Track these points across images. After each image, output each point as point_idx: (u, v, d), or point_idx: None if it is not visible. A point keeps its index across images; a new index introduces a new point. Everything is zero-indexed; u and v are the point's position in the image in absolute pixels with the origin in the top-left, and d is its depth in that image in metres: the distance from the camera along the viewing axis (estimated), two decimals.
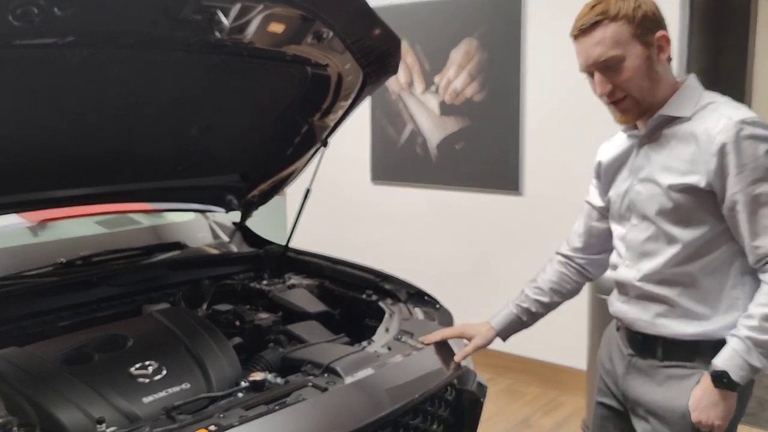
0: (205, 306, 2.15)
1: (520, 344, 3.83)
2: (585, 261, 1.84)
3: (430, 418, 1.69)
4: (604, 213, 1.76)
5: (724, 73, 9.66)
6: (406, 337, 1.85)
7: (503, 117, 3.72)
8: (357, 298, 2.21)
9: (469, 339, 1.85)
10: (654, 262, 1.55)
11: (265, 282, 2.32)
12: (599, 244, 1.80)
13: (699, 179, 1.47)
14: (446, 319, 2.05)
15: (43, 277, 1.97)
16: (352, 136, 4.28)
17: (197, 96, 1.98)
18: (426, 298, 2.20)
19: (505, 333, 1.87)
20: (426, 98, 4.00)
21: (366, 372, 1.61)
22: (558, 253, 1.89)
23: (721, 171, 1.45)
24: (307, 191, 2.36)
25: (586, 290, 3.18)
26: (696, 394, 1.50)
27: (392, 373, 1.65)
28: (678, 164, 1.51)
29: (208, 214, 2.63)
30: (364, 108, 4.22)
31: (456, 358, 1.81)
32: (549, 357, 3.70)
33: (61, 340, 1.72)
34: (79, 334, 1.76)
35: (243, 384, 1.58)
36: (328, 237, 4.39)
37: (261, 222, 2.76)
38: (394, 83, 4.11)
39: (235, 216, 2.62)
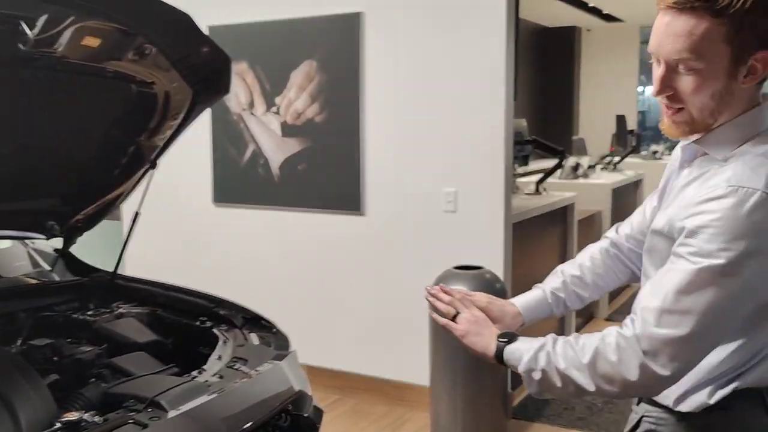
0: (19, 342, 1.97)
1: (364, 364, 3.88)
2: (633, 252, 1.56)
3: None
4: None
5: (551, 101, 10.37)
6: (240, 363, 1.79)
7: (344, 138, 3.75)
8: (190, 325, 2.11)
9: (492, 318, 1.50)
10: None
11: (90, 312, 2.17)
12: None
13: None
14: (283, 343, 2.01)
15: None
16: (193, 157, 4.15)
17: (7, 113, 1.83)
18: (263, 322, 2.15)
19: (531, 322, 1.59)
20: (267, 119, 3.96)
21: (194, 403, 1.54)
22: (606, 237, 1.62)
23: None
24: (136, 214, 2.24)
25: (426, 305, 3.26)
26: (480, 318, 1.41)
27: (222, 403, 1.59)
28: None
29: (27, 240, 2.43)
30: (205, 128, 4.11)
31: None
32: (393, 375, 3.74)
33: None
34: None
35: (55, 427, 1.45)
36: (168, 262, 4.22)
37: (95, 249, 2.59)
38: (235, 104, 4.03)
39: (59, 243, 2.44)
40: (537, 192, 4.53)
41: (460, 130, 3.49)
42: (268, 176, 3.99)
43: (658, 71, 1.23)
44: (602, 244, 1.62)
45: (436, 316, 1.46)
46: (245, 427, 1.55)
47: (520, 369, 1.30)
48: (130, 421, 1.45)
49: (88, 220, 2.35)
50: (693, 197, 1.20)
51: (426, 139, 3.58)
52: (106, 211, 2.34)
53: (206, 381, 1.67)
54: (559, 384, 1.27)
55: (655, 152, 7.87)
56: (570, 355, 1.26)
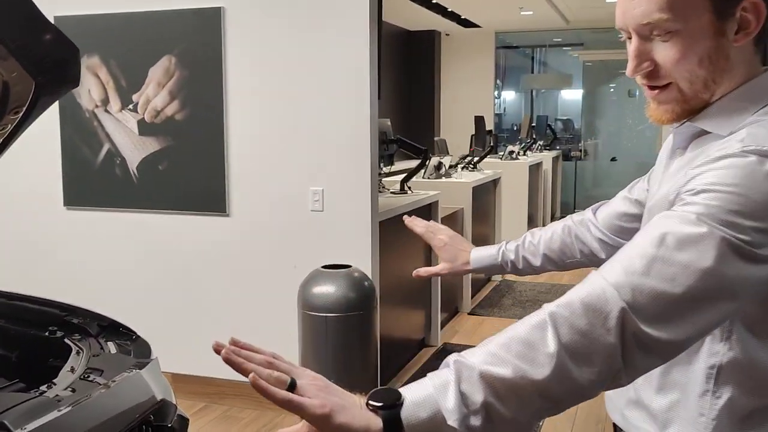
0: None
1: (232, 370, 3.75)
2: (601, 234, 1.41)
3: None
4: (639, 207, 1.32)
5: (414, 102, 10.63)
6: (95, 375, 1.67)
7: (207, 136, 3.63)
8: (38, 336, 1.95)
9: (443, 257, 1.52)
10: None
11: None
12: (620, 230, 1.37)
13: None
14: (144, 351, 1.89)
15: None
16: (40, 156, 3.87)
17: None
18: (121, 330, 2.02)
19: (477, 272, 1.56)
20: (124, 116, 3.75)
21: (42, 420, 1.41)
22: (577, 215, 1.48)
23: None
24: None
25: (295, 306, 3.21)
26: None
27: (76, 418, 1.47)
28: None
29: None
30: (53, 126, 3.84)
31: (421, 273, 1.57)
32: None
33: None
34: None
35: None
36: (14, 271, 3.91)
37: None
38: (87, 100, 3.80)
39: None
40: (402, 191, 4.60)
41: (326, 128, 3.47)
42: (126, 177, 3.78)
43: (630, 47, 1.02)
44: (567, 221, 1.48)
45: (266, 387, 0.81)
46: None
47: (452, 422, 0.81)
48: None
49: None
50: (696, 165, 0.96)
51: (292, 138, 3.53)
52: None
53: (56, 396, 1.54)
54: (513, 410, 0.83)
55: (511, 152, 8.22)
56: (515, 353, 0.84)
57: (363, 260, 3.44)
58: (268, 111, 3.56)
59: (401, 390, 0.84)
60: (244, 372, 0.84)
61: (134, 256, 3.84)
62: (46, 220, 3.95)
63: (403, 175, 4.79)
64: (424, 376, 0.86)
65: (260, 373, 0.84)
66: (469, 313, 5.54)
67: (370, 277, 3.35)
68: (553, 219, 9.56)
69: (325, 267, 3.24)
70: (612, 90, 12.76)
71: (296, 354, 3.28)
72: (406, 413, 0.82)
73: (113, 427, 1.51)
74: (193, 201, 3.70)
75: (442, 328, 4.93)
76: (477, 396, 0.82)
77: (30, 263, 3.98)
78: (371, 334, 3.28)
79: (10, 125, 1.90)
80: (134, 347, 1.92)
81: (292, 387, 0.84)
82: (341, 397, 0.85)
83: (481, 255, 1.52)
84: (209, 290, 3.74)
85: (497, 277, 6.57)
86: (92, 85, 3.77)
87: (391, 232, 3.82)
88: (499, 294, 6.13)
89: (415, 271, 1.60)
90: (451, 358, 0.85)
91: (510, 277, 6.67)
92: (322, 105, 3.46)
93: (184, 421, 1.75)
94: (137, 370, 1.71)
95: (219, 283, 3.72)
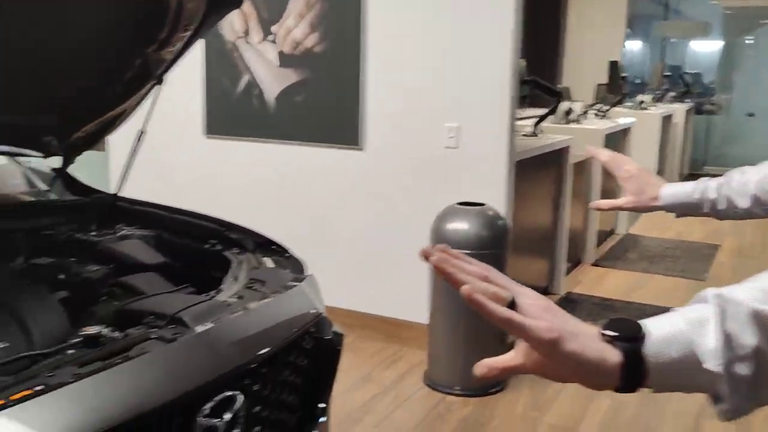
0: (20, 260, 1.88)
1: (361, 301, 3.83)
2: None
3: (288, 367, 1.58)
4: None
5: (539, 45, 10.26)
6: (258, 285, 1.72)
7: (344, 69, 3.63)
8: (200, 248, 2.03)
9: (629, 188, 1.40)
10: None
11: (92, 234, 2.07)
12: None
13: None
14: (297, 268, 1.94)
15: None
16: (184, 86, 4.00)
17: (4, 18, 1.70)
18: (274, 247, 2.07)
19: (669, 210, 1.41)
20: (264, 48, 3.81)
21: (216, 321, 1.47)
22: None
23: None
24: (141, 133, 2.14)
25: (427, 242, 3.21)
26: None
27: (245, 322, 1.52)
28: None
29: (21, 159, 2.31)
30: (197, 57, 3.95)
31: (601, 204, 1.49)
32: (390, 312, 3.71)
33: None
34: None
35: (74, 340, 1.38)
36: (154, 197, 4.10)
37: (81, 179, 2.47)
38: (229, 32, 3.87)
39: (57, 163, 2.32)
40: (533, 134, 4.47)
41: (466, 64, 3.39)
42: (263, 108, 3.86)
43: None
44: None
45: (484, 302, 0.71)
46: (271, 346, 1.49)
47: (714, 365, 0.69)
48: (153, 336, 1.38)
49: (89, 138, 2.23)
50: None
51: (428, 73, 3.48)
52: (108, 128, 2.22)
53: (225, 300, 1.61)
54: None
55: (641, 102, 7.83)
56: None
57: (496, 200, 3.38)
58: (407, 45, 3.51)
59: (641, 322, 0.73)
60: (456, 283, 0.73)
61: (268, 186, 3.94)
62: (188, 149, 4.11)
63: (533, 120, 4.65)
64: None
65: (477, 286, 0.72)
66: (592, 264, 5.39)
67: (503, 216, 3.30)
68: (681, 176, 9.10)
69: (458, 204, 3.22)
70: (752, 41, 11.87)
71: (425, 288, 3.29)
72: (652, 349, 0.70)
73: (280, 333, 1.56)
74: (328, 134, 3.73)
75: (565, 276, 4.82)
76: (748, 338, 0.69)
77: (171, 190, 4.16)
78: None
79: (179, 43, 1.96)
80: (289, 264, 1.97)
81: (511, 306, 0.73)
82: (568, 321, 0.73)
83: (675, 191, 1.38)
84: (340, 222, 3.80)
85: (621, 230, 6.34)
86: (234, 17, 3.83)
87: (522, 174, 3.72)
88: (623, 247, 5.93)
89: (593, 203, 1.51)
90: (709, 292, 0.72)
91: (636, 230, 6.43)
92: (462, 40, 3.37)
93: (339, 336, 1.79)
94: (298, 283, 1.75)
95: (350, 215, 3.76)
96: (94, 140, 2.25)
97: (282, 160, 3.88)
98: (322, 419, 1.68)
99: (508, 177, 3.43)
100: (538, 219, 4.43)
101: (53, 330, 1.46)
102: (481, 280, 0.75)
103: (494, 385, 3.22)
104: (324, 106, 3.71)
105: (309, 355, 1.67)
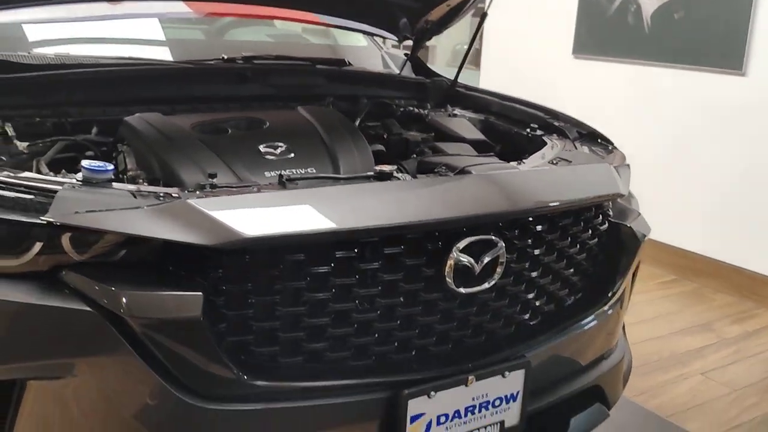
0: (357, 121, 2.05)
1: (713, 245, 3.39)
2: None
3: (572, 238, 1.47)
4: None
5: None
6: (563, 163, 1.62)
7: None
8: (520, 133, 1.99)
9: None
10: None
11: (426, 110, 2.17)
12: None
13: None
14: (618, 159, 1.79)
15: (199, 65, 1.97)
16: (555, 2, 3.92)
17: None
18: (599, 140, 1.93)
19: None
20: None
21: (498, 173, 1.44)
22: None
23: None
24: (484, 15, 2.15)
25: None
26: None
27: (532, 178, 1.46)
28: None
29: (380, 43, 2.50)
30: None
31: None
32: (748, 264, 3.23)
33: (201, 116, 1.71)
34: (221, 113, 1.74)
35: (369, 173, 1.46)
36: None
37: None
38: None
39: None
40: None
41: None
42: (638, 26, 3.59)
43: None
44: None
45: None
46: (551, 204, 1.39)
47: None
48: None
49: (438, 23, 2.31)
50: None
51: None
52: (457, 13, 2.27)
53: (517, 166, 1.56)
54: None
55: None
56: None
57: None
58: None
59: None
60: None
61: (634, 110, 3.68)
62: (554, 69, 4.03)
63: None
64: None
65: None
66: None
67: None
68: None
69: None
70: None
71: None
72: None
73: (565, 194, 1.44)
74: (705, 55, 3.32)
75: None
76: None
77: None
78: None
79: None
80: (608, 155, 1.82)
81: None
82: None
83: None
84: (706, 157, 3.38)
85: None
86: None
87: None
88: None
89: None
90: None
91: None
92: None
93: (643, 231, 1.60)
94: (606, 163, 1.61)
95: (719, 149, 3.33)
96: (443, 25, 2.32)
97: (651, 84, 3.58)
98: (604, 309, 1.53)
99: None
100: None
101: (357, 165, 1.57)
102: None
103: None
104: (705, 23, 3.30)
105: (600, 236, 1.53)
